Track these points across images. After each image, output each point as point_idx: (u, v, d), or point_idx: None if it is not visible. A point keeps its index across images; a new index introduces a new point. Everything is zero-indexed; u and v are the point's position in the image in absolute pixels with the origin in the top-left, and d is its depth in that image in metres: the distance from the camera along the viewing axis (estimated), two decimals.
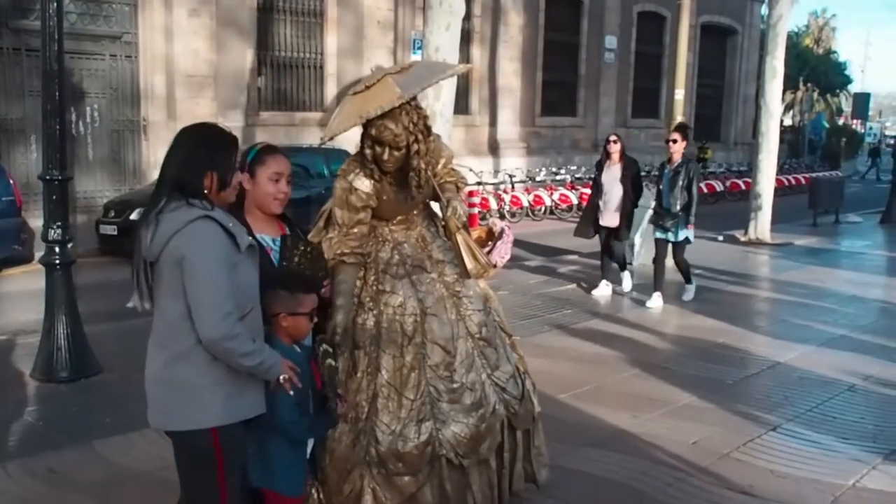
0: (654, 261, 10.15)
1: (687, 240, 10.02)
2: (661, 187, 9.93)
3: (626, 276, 10.70)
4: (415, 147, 4.03)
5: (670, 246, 10.09)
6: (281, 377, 3.12)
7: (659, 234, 10.03)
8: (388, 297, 4.12)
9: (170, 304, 2.97)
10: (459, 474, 4.07)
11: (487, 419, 4.13)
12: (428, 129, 4.11)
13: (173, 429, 3.07)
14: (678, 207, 9.71)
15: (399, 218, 4.28)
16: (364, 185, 4.09)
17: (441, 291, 4.23)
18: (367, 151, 4.04)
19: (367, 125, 3.97)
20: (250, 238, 3.13)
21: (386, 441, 3.93)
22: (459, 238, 4.13)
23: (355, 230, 4.09)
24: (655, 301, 9.90)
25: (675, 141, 9.88)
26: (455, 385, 4.10)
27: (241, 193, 3.42)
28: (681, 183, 9.69)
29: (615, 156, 10.23)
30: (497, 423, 4.19)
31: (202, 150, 3.02)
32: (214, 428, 3.01)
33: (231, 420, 3.05)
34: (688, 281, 10.33)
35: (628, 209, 10.18)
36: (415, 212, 4.34)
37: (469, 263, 4.14)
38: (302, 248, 3.66)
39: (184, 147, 3.03)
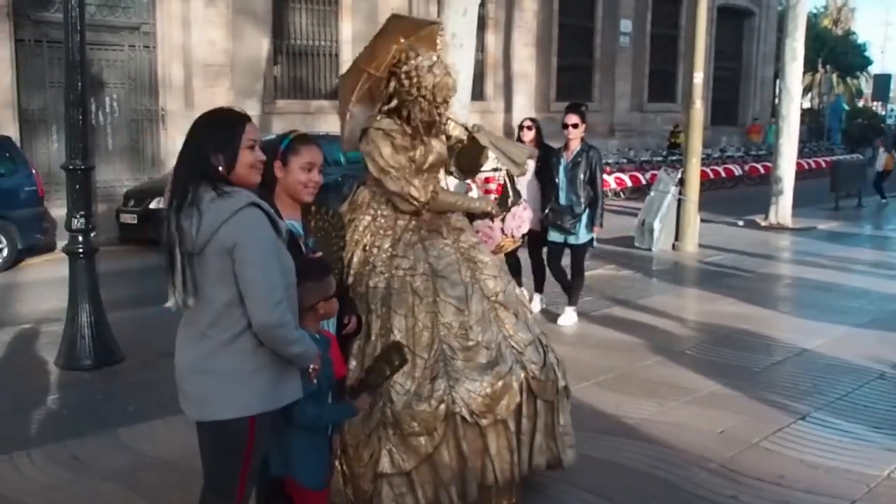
0: (549, 266, 8.56)
1: (591, 243, 8.46)
2: (557, 180, 8.19)
3: (536, 298, 8.66)
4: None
5: (567, 251, 8.46)
6: (311, 367, 3.14)
7: (555, 236, 8.35)
8: (399, 260, 4.18)
9: (216, 293, 2.95)
10: (476, 434, 4.02)
11: (504, 377, 4.08)
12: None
13: (215, 419, 3.03)
14: (582, 206, 8.11)
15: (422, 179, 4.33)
16: (396, 127, 4.26)
17: (454, 256, 4.27)
18: (424, 114, 4.24)
19: (418, 80, 4.18)
20: (285, 223, 3.17)
21: (400, 401, 3.92)
22: (495, 140, 4.47)
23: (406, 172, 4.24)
24: (568, 318, 8.30)
25: (574, 125, 8.20)
26: (470, 343, 4.09)
27: (271, 178, 3.45)
28: (582, 176, 8.09)
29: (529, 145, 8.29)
30: (514, 382, 4.13)
31: (205, 133, 3.03)
32: (252, 417, 3.01)
33: (271, 407, 3.05)
34: (571, 301, 8.43)
35: (544, 209, 8.33)
36: (434, 176, 4.42)
37: (516, 157, 4.49)
38: (324, 212, 3.75)
39: (194, 135, 3.05)
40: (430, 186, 4.31)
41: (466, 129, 4.55)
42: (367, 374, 3.61)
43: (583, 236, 8.27)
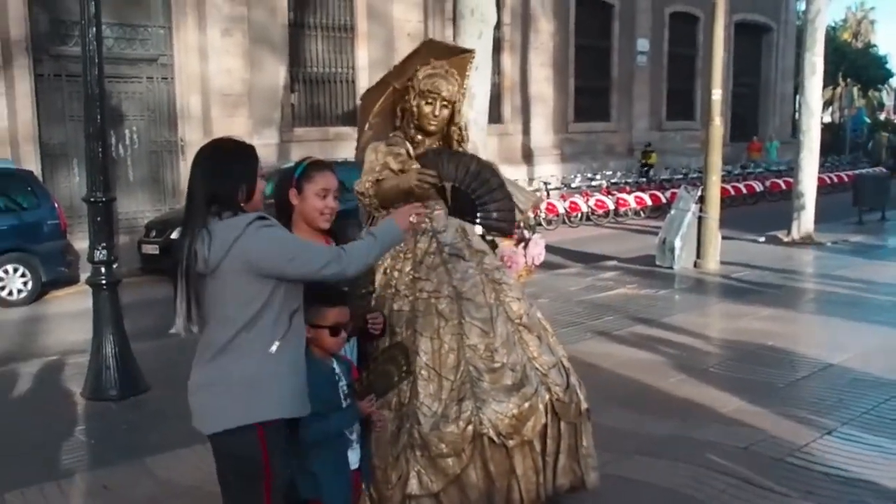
0: None
1: None
2: None
3: None
4: (458, 106, 4.44)
5: None
6: (411, 219, 3.34)
7: None
8: (422, 283, 4.20)
9: (234, 309, 3.00)
10: (503, 455, 4.03)
11: (530, 399, 4.09)
12: (463, 97, 4.55)
13: (221, 428, 3.05)
14: None
15: (438, 206, 4.38)
16: (399, 140, 4.38)
17: (478, 277, 4.28)
18: (414, 109, 4.38)
19: (413, 82, 4.36)
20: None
21: (427, 423, 3.93)
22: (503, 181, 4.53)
23: (385, 172, 4.32)
24: None
25: None
26: (496, 365, 4.10)
27: (288, 208, 3.50)
28: None
29: None
30: (540, 404, 4.14)
31: (230, 164, 3.08)
32: (261, 427, 3.01)
33: (278, 415, 3.05)
34: None
35: None
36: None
37: (521, 203, 4.59)
38: None
39: (209, 163, 3.07)
40: (370, 178, 4.36)
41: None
42: (373, 379, 3.62)
43: None
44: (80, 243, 11.51)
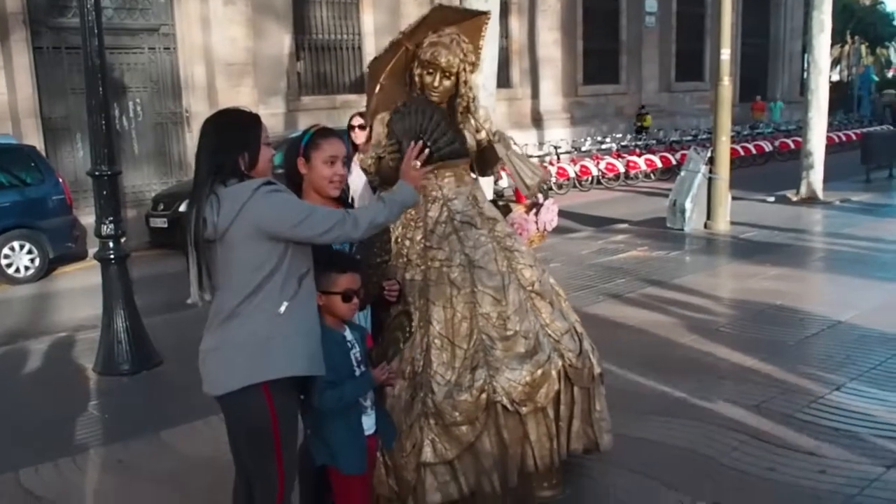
0: None
1: None
2: None
3: None
4: (463, 76, 4.31)
5: None
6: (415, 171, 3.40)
7: None
8: (434, 252, 4.18)
9: (244, 274, 3.03)
10: (516, 422, 4.05)
11: (543, 366, 4.09)
12: (474, 65, 4.38)
13: (227, 390, 3.09)
14: None
15: (448, 173, 4.32)
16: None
17: (490, 245, 4.26)
18: (417, 79, 4.29)
19: (419, 49, 4.26)
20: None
21: (441, 391, 3.94)
22: (511, 156, 4.40)
23: (389, 150, 4.25)
24: None
25: (361, 127, 6.32)
26: (508, 333, 4.09)
27: (298, 177, 3.49)
28: None
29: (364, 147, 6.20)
30: (553, 370, 4.14)
31: (231, 133, 3.12)
32: (266, 387, 3.04)
33: (286, 373, 3.07)
34: None
35: None
36: (463, 167, 4.41)
37: (527, 178, 4.41)
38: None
39: (213, 134, 3.12)
40: (372, 154, 4.37)
41: (492, 133, 4.50)
42: (385, 346, 3.67)
43: None
44: (87, 218, 11.49)
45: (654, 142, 21.82)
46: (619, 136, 22.16)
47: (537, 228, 5.88)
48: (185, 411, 5.82)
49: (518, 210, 5.09)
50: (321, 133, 3.54)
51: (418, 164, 3.42)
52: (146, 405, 6.29)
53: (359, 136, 6.40)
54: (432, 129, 3.77)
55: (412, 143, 3.55)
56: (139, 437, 5.56)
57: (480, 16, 4.52)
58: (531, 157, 18.45)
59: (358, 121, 6.39)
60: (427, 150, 3.52)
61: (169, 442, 5.48)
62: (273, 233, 3.00)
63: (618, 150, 20.70)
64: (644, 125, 24.26)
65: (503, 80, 20.44)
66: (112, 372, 6.94)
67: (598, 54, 25.10)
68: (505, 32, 21.21)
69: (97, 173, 6.92)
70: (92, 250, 9.14)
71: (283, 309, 3.04)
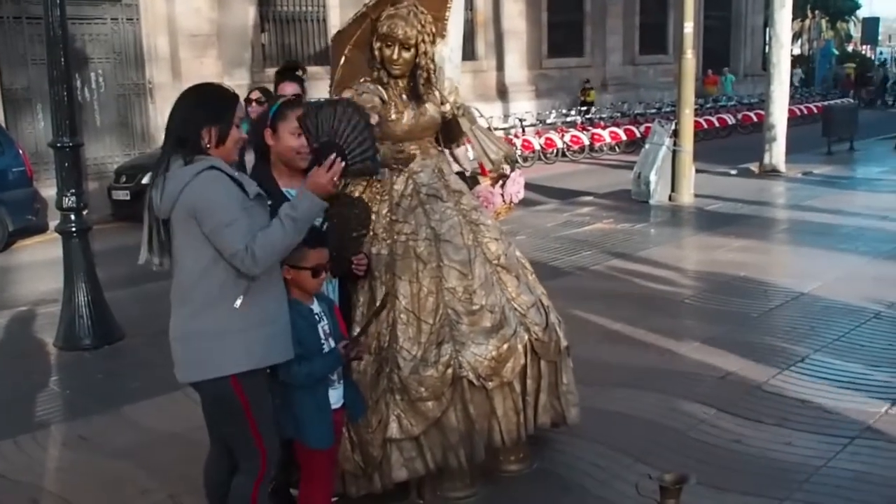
0: None
1: None
2: None
3: None
4: (423, 47, 4.20)
5: None
6: (325, 181, 3.11)
7: None
8: (400, 225, 4.15)
9: (189, 257, 3.03)
10: (483, 397, 4.05)
11: (509, 340, 4.09)
12: (434, 35, 4.28)
13: (195, 379, 3.13)
14: None
15: (413, 146, 4.27)
16: (370, 87, 4.19)
17: (456, 219, 4.23)
18: (377, 53, 4.21)
19: (377, 22, 4.17)
20: (258, 187, 3.14)
21: (407, 366, 3.93)
22: (475, 130, 4.39)
23: None
24: None
25: (258, 101, 5.87)
26: (474, 307, 4.08)
27: (266, 149, 3.46)
28: None
29: None
30: (519, 345, 4.14)
31: (199, 107, 3.10)
32: (235, 376, 3.05)
33: (253, 366, 3.08)
34: None
35: None
36: (428, 140, 4.37)
37: (491, 153, 4.42)
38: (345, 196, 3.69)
39: (182, 107, 3.11)
40: None
41: (456, 107, 4.45)
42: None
43: None
44: (48, 191, 11.27)
45: (598, 118, 21.34)
46: (584, 108, 22.12)
47: (503, 201, 5.86)
48: (147, 386, 5.78)
49: (484, 182, 5.07)
50: (288, 104, 3.52)
51: (330, 176, 3.13)
52: (108, 380, 6.22)
53: (255, 111, 5.80)
54: (350, 138, 3.30)
55: (331, 155, 3.18)
56: (101, 413, 5.50)
57: None
58: (497, 129, 18.53)
59: (256, 94, 6.08)
60: (342, 163, 3.19)
61: (131, 417, 5.41)
62: (199, 223, 2.96)
63: (582, 122, 20.60)
64: (588, 100, 23.86)
65: (468, 53, 20.33)
66: (73, 347, 6.86)
67: (563, 26, 25.02)
68: (470, 4, 21.05)
69: (59, 145, 6.82)
70: (53, 223, 8.98)
71: (238, 303, 3.02)
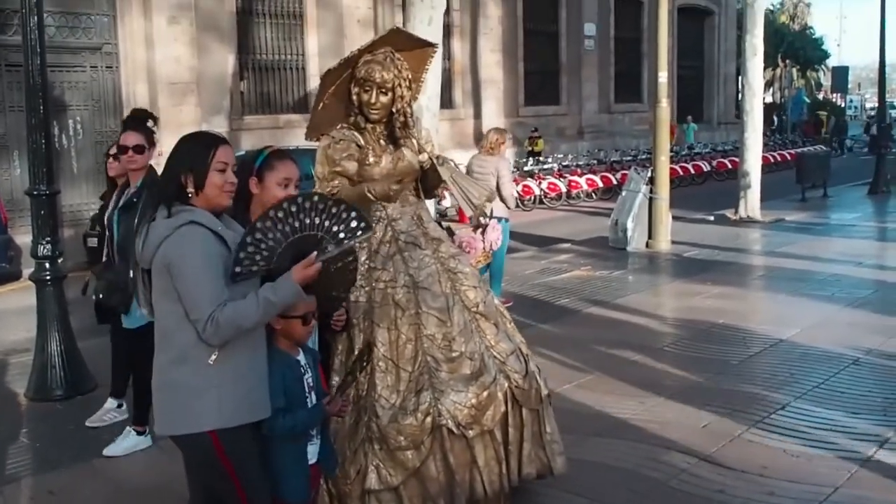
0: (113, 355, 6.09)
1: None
2: (111, 231, 5.78)
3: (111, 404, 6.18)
4: (399, 91, 4.25)
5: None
6: (312, 272, 3.03)
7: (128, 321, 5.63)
8: (378, 273, 4.14)
9: (165, 309, 3.00)
10: (463, 446, 3.99)
11: (489, 387, 4.05)
12: (410, 82, 4.34)
13: (173, 433, 3.06)
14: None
15: (392, 189, 4.25)
16: (346, 134, 4.24)
17: (434, 266, 4.23)
18: (354, 97, 4.25)
19: (355, 68, 4.25)
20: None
21: (386, 415, 3.88)
22: (457, 177, 4.44)
23: (335, 182, 4.19)
24: (124, 442, 5.51)
25: (137, 149, 5.50)
26: (454, 354, 4.05)
27: (247, 196, 3.42)
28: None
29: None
30: (499, 392, 4.10)
31: (176, 154, 3.09)
32: (214, 432, 2.98)
33: (229, 424, 3.00)
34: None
35: None
36: (407, 190, 4.37)
37: (474, 198, 4.44)
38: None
39: (169, 156, 3.10)
40: (328, 189, 4.17)
41: (434, 157, 4.45)
42: (345, 385, 3.59)
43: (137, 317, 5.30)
44: (23, 238, 11.18)
45: (545, 167, 20.95)
46: (561, 156, 22.24)
47: (483, 247, 5.88)
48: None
49: (464, 229, 5.08)
50: (276, 155, 3.50)
51: (317, 268, 3.08)
52: (80, 432, 6.07)
53: (112, 168, 6.02)
54: (333, 224, 3.16)
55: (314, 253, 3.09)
56: (72, 466, 5.37)
57: (429, 47, 4.58)
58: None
59: (115, 150, 5.82)
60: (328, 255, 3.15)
61: (102, 470, 5.29)
62: (172, 277, 2.93)
63: (559, 169, 20.71)
64: (535, 149, 23.65)
65: (446, 101, 20.49)
66: (45, 397, 6.71)
67: (539, 76, 25.35)
68: (448, 54, 21.28)
69: (35, 193, 6.77)
70: (27, 270, 8.87)
71: (212, 359, 2.95)
